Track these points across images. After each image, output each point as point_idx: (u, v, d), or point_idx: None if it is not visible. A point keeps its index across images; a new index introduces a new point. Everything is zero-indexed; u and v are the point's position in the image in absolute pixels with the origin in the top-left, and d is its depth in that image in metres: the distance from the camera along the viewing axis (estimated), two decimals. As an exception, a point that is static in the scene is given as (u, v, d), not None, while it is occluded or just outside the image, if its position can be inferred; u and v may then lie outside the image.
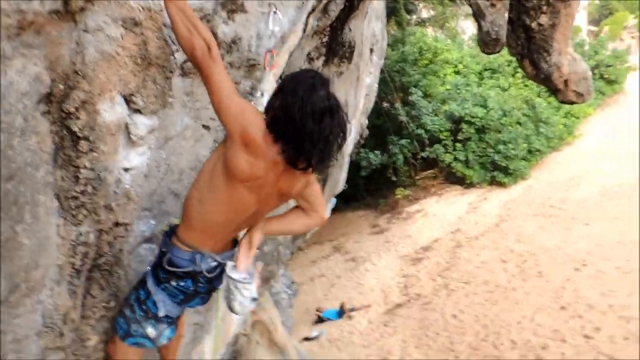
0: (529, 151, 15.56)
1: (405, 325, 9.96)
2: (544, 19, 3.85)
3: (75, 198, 1.85)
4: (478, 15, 3.92)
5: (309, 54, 4.11)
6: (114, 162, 1.97)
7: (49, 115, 1.77)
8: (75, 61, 1.75)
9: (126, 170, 2.09)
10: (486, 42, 3.94)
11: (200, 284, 1.98)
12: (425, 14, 19.43)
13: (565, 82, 4.07)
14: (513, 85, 17.90)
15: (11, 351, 1.76)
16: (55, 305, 1.87)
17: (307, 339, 9.48)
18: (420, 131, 15.64)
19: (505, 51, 17.47)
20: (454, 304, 10.20)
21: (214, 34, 2.34)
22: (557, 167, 15.75)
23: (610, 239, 11.28)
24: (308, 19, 3.41)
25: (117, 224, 2.11)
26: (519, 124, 15.72)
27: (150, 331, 1.97)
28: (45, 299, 1.84)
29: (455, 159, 15.77)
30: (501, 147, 15.26)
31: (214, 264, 1.96)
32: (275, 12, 2.58)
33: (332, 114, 1.76)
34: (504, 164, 15.12)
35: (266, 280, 4.79)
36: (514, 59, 17.68)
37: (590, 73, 4.20)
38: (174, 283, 1.93)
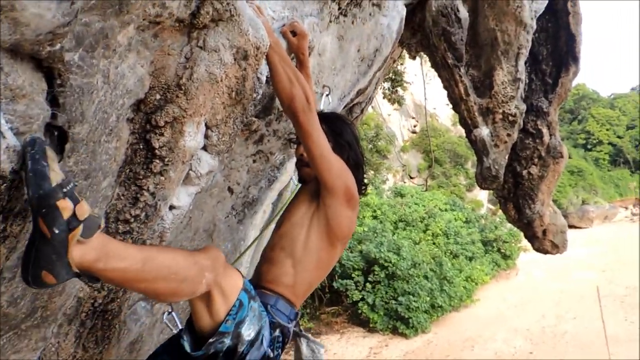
0: (432, 305, 16.05)
1: None
2: (534, 170, 4.29)
3: (127, 222, 1.57)
4: (482, 151, 4.28)
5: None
6: (172, 194, 1.73)
7: (131, 123, 1.57)
8: (181, 75, 1.61)
9: (171, 208, 1.85)
10: (485, 177, 4.25)
11: None
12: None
13: (544, 231, 4.43)
14: (423, 240, 18.98)
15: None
16: (57, 348, 1.47)
17: None
18: (335, 264, 15.75)
19: (420, 207, 18.82)
20: None
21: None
22: (456, 326, 16.26)
23: (504, 409, 11.44)
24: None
25: (140, 267, 1.79)
26: (426, 277, 16.38)
27: None
28: (51, 337, 1.44)
29: (363, 299, 15.84)
30: (403, 298, 15.60)
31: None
32: (327, 95, 2.62)
33: None
34: (406, 316, 15.37)
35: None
36: (427, 215, 19.04)
37: (567, 228, 4.64)
38: None
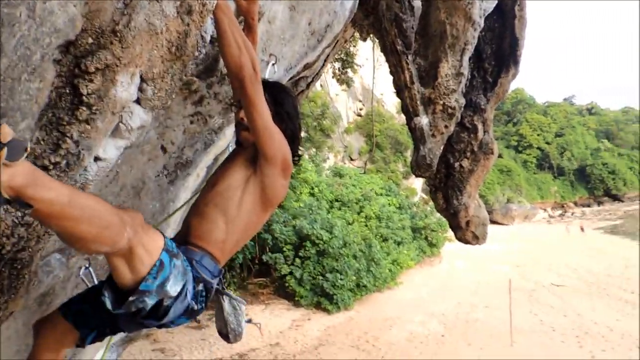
0: (357, 285, 16.53)
1: None
2: (465, 163, 4.50)
3: (45, 168, 1.49)
4: (419, 140, 4.41)
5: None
6: (98, 144, 1.66)
7: (58, 65, 1.48)
8: (118, 21, 1.53)
9: (96, 160, 1.77)
10: (420, 165, 4.40)
11: None
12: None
13: (468, 222, 4.67)
14: (357, 221, 19.41)
15: None
16: (-45, 293, 1.38)
17: None
18: (268, 236, 15.81)
19: (357, 189, 19.17)
20: (261, 421, 9.68)
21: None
22: (377, 306, 16.87)
23: (413, 387, 12.05)
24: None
25: (56, 218, 1.71)
26: (355, 257, 16.81)
27: None
28: (-51, 281, 1.36)
29: (291, 273, 16.05)
30: (330, 275, 15.97)
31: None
32: (273, 64, 2.59)
33: None
34: (331, 292, 15.75)
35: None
36: (362, 197, 19.44)
37: (489, 221, 4.90)
38: None
